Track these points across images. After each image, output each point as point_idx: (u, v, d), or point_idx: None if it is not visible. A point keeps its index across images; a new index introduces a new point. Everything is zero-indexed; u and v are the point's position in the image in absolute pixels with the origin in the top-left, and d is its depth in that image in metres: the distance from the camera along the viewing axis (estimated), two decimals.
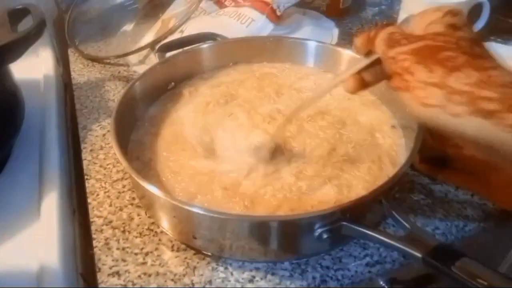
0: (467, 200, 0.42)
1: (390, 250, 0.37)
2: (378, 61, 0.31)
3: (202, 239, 0.35)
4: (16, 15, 0.51)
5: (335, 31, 0.66)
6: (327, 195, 0.38)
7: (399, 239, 0.30)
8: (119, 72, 0.65)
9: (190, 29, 0.62)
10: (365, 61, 0.32)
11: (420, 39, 0.29)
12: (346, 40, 0.69)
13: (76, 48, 0.69)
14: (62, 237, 0.40)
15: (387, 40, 0.30)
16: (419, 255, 0.28)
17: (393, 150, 0.42)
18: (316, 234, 0.32)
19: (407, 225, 0.31)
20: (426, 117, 0.26)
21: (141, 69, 0.63)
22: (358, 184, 0.39)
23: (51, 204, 0.43)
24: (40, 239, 0.40)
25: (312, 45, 0.53)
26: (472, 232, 0.41)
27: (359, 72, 0.33)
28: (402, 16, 0.62)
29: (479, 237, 0.43)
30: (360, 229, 0.31)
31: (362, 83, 0.33)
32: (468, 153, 0.42)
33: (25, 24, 0.50)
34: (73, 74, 0.65)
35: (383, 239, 0.30)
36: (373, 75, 0.33)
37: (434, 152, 0.44)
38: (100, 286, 0.35)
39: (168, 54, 0.53)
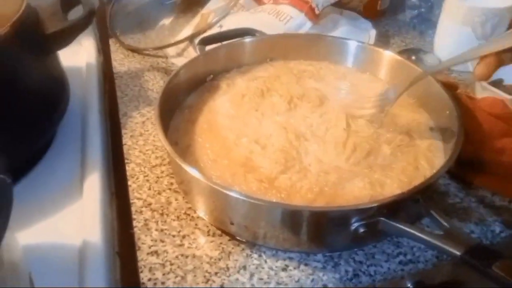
0: (503, 206, 0.42)
1: (426, 248, 0.38)
2: None
3: (238, 225, 0.36)
4: (68, 3, 0.53)
5: (372, 32, 0.66)
6: (362, 193, 0.38)
7: (438, 237, 0.30)
8: (158, 64, 0.67)
9: (229, 24, 0.63)
10: None
11: None
12: (382, 41, 0.69)
13: (117, 39, 0.72)
14: (103, 216, 0.42)
15: None
16: (458, 253, 0.28)
17: (430, 152, 0.42)
18: (353, 228, 0.33)
19: (445, 223, 0.31)
20: None
21: (179, 61, 0.65)
22: (393, 183, 0.39)
23: (93, 185, 0.45)
24: (83, 217, 0.42)
25: (352, 44, 0.54)
26: (508, 238, 0.40)
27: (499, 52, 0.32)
28: (442, 19, 0.62)
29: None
30: (397, 225, 0.32)
31: (499, 63, 0.32)
32: (508, 159, 0.42)
33: (76, 13, 0.52)
34: (114, 64, 0.67)
35: (421, 236, 0.31)
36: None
37: (471, 156, 0.43)
38: (140, 263, 0.37)
39: (208, 48, 0.54)
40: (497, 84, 0.53)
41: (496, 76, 0.54)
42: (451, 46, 0.60)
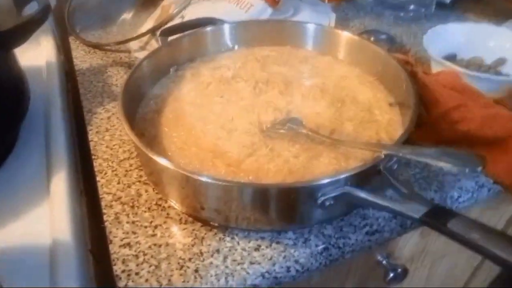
0: (461, 173, 0.44)
1: (391, 218, 0.39)
2: None
3: (209, 209, 0.37)
4: (21, 0, 0.52)
5: (332, 16, 0.68)
6: (328, 168, 0.39)
7: (398, 204, 0.32)
8: (120, 58, 0.66)
9: (191, 14, 0.63)
10: None
11: None
12: (343, 25, 0.70)
13: (77, 36, 0.70)
14: (72, 214, 0.42)
15: None
16: (416, 216, 0.30)
17: (391, 126, 0.44)
18: (319, 202, 0.34)
19: (405, 191, 0.33)
20: None
21: (142, 55, 0.64)
22: (357, 157, 0.40)
23: (60, 183, 0.44)
24: (52, 216, 0.41)
25: (311, 27, 0.55)
26: (466, 203, 0.42)
27: None
28: None
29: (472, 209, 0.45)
30: (361, 195, 0.33)
31: None
32: (464, 127, 0.44)
33: (30, 9, 0.51)
34: (75, 61, 0.66)
35: (383, 203, 0.32)
36: None
37: (431, 128, 0.46)
38: (112, 256, 0.37)
39: (170, 39, 0.54)
40: (451, 58, 0.55)
41: (449, 51, 0.57)
42: None
